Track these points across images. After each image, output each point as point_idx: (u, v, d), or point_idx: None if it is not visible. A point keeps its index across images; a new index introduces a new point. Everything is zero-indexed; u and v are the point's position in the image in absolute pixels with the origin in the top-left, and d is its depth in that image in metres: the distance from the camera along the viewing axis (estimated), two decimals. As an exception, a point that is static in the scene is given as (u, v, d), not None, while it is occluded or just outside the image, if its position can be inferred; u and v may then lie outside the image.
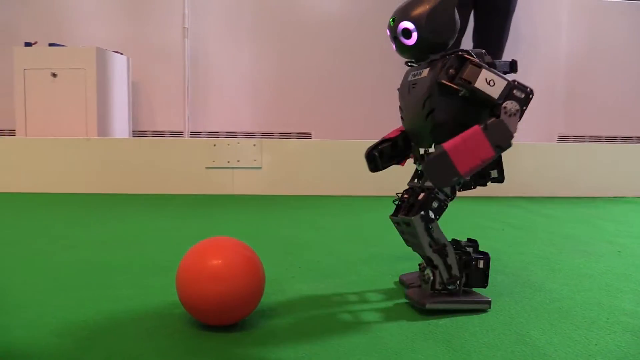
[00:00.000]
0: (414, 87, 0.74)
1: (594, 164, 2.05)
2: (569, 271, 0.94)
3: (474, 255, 0.74)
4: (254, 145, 1.86)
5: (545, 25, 2.72)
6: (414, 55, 0.74)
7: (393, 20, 0.72)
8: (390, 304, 0.75)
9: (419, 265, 0.82)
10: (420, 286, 0.77)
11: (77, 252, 1.02)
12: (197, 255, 0.62)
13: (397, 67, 2.62)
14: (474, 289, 0.76)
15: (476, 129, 0.66)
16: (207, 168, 1.87)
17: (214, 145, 1.86)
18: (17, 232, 1.21)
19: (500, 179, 0.75)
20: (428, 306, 0.70)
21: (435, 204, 0.71)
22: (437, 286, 0.72)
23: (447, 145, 0.66)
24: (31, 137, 2.11)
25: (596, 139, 2.82)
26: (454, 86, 0.68)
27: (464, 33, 2.24)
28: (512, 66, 0.74)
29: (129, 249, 1.05)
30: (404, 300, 0.77)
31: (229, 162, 1.87)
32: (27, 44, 2.23)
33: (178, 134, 2.64)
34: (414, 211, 0.71)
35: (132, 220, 1.37)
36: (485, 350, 0.60)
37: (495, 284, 0.86)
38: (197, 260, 0.62)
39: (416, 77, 0.74)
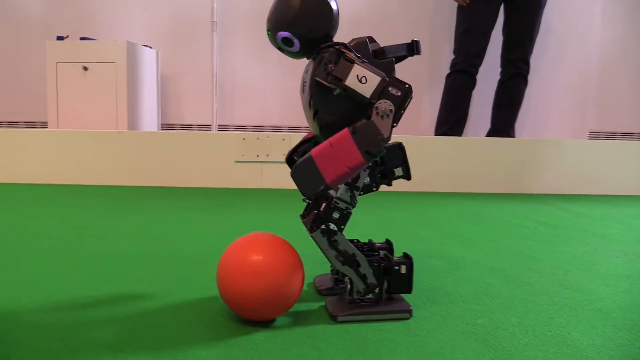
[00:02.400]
0: (305, 86, 0.68)
1: (626, 161, 2.00)
2: (607, 271, 0.93)
3: (396, 260, 0.69)
4: (283, 139, 1.86)
5: (577, 17, 2.66)
6: (306, 55, 0.69)
7: (270, 31, 0.67)
8: (426, 301, 0.75)
9: (331, 266, 0.80)
10: (340, 293, 0.73)
11: (111, 243, 1.04)
12: (239, 250, 0.63)
13: (420, 62, 2.60)
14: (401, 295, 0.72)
15: (344, 132, 0.61)
16: (236, 162, 1.89)
17: (243, 139, 1.87)
18: (50, 223, 1.23)
19: (405, 176, 0.69)
20: (340, 319, 0.66)
21: (336, 215, 0.66)
22: (354, 295, 0.68)
23: (315, 150, 0.61)
24: (63, 129, 2.15)
25: (628, 135, 2.75)
26: (327, 84, 0.62)
27: (492, 27, 2.21)
28: (411, 48, 0.65)
29: (161, 241, 1.07)
30: (440, 298, 0.76)
31: (258, 156, 1.88)
32: (59, 38, 2.26)
33: (206, 127, 2.66)
34: (313, 227, 0.66)
35: (163, 212, 1.39)
36: (527, 351, 0.60)
37: (532, 283, 0.85)
38: (239, 255, 0.62)
39: (306, 74, 0.68)
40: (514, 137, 2.27)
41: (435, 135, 2.27)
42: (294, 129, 2.66)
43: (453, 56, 2.26)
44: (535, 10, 2.18)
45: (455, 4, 2.24)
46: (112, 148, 1.91)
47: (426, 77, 2.64)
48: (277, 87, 2.66)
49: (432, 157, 1.92)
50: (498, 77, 2.30)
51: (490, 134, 2.28)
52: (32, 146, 1.93)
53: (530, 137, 2.66)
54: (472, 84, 2.22)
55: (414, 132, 2.56)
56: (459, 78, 2.20)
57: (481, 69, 2.22)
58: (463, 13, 2.20)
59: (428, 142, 1.95)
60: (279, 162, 1.89)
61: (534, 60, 2.30)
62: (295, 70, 2.64)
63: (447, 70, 2.28)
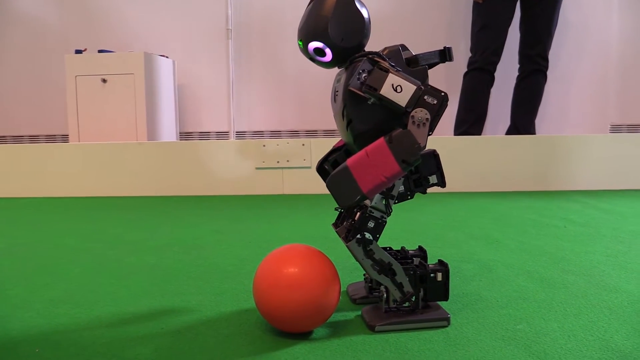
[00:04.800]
0: (337, 95, 0.68)
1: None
2: (643, 271, 0.91)
3: (432, 268, 0.69)
4: (303, 145, 1.86)
5: (595, 9, 2.62)
6: (339, 65, 0.68)
7: (301, 42, 0.66)
8: (462, 308, 0.74)
9: (364, 275, 0.79)
10: (376, 301, 0.73)
11: (142, 256, 1.05)
12: (276, 263, 0.63)
13: (441, 66, 2.58)
14: (437, 302, 0.71)
15: (380, 141, 0.61)
16: (257, 169, 1.89)
17: (264, 145, 1.88)
18: (79, 237, 1.25)
19: (440, 184, 0.69)
20: (377, 329, 0.66)
21: (371, 224, 0.66)
22: (391, 304, 0.68)
23: (350, 160, 0.61)
24: (85, 142, 2.17)
25: (651, 127, 2.71)
26: (361, 94, 0.61)
27: (509, 24, 2.19)
28: (444, 55, 0.65)
29: (190, 253, 1.08)
30: (476, 303, 0.76)
31: (278, 162, 1.88)
32: (78, 51, 2.29)
33: (224, 134, 2.68)
34: (349, 237, 0.66)
35: (188, 223, 1.40)
36: (570, 357, 0.59)
37: (568, 285, 0.84)
38: (276, 268, 0.63)
39: (338, 84, 0.68)
40: (534, 134, 2.25)
41: (455, 134, 2.26)
42: (311, 133, 2.66)
43: (470, 54, 2.24)
44: (552, 4, 2.15)
45: (471, 2, 2.22)
46: (133, 159, 1.93)
47: (443, 75, 2.63)
48: (293, 92, 2.66)
49: (453, 156, 1.91)
50: (513, 73, 2.28)
51: (511, 131, 2.26)
52: (55, 160, 1.95)
53: (549, 132, 2.63)
54: (491, 81, 2.21)
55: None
56: (477, 76, 2.19)
57: (498, 66, 2.20)
58: (479, 10, 2.18)
59: (448, 141, 1.94)
60: (299, 168, 1.89)
61: (551, 54, 2.27)
62: (310, 75, 2.64)
63: (464, 69, 2.27)
